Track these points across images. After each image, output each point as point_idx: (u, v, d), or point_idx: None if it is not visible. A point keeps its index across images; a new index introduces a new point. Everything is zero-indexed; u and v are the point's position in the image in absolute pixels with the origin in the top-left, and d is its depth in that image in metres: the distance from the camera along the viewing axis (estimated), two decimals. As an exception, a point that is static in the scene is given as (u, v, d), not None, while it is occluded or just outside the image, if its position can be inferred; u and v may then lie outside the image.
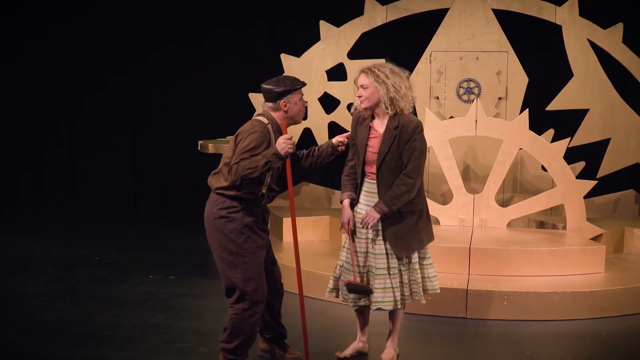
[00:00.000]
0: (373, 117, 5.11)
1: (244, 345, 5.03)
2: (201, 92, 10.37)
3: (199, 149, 8.65)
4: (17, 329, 5.91)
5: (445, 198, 8.50)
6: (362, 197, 5.14)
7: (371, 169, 5.07)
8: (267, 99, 4.97)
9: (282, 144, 4.82)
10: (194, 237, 9.29)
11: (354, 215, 5.13)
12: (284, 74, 5.12)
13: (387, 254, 5.08)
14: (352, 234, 5.14)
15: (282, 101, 4.93)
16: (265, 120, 4.93)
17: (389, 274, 5.08)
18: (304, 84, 5.03)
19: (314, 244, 8.01)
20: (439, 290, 5.30)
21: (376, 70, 4.98)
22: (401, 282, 5.13)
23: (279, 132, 4.96)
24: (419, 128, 4.99)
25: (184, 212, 10.47)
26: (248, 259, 4.92)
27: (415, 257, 5.15)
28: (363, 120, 5.13)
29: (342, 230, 5.32)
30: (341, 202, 5.21)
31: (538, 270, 6.73)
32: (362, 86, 5.01)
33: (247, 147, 4.81)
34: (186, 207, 10.53)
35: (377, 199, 5.05)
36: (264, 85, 4.97)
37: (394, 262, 5.09)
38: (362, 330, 5.44)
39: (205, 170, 9.89)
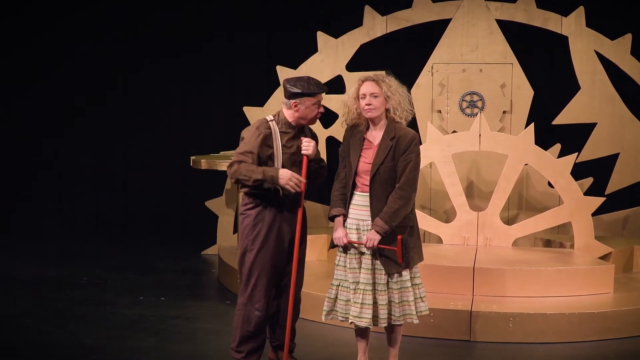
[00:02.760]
0: (367, 129, 5.20)
1: (246, 342, 5.27)
2: (194, 105, 10.40)
3: (191, 164, 8.69)
4: (2, 352, 5.91)
5: (448, 216, 8.53)
6: (352, 211, 5.20)
7: (363, 180, 5.14)
8: (284, 94, 5.28)
9: (288, 179, 5.10)
10: (186, 257, 9.34)
11: (346, 234, 5.17)
12: (307, 76, 5.28)
13: (373, 269, 5.13)
14: (347, 248, 5.20)
15: (293, 101, 5.20)
16: (269, 117, 5.27)
17: (374, 290, 5.13)
18: (321, 91, 5.24)
19: (311, 263, 7.99)
20: (428, 312, 5.33)
21: (387, 80, 5.13)
22: (390, 301, 5.16)
23: (287, 127, 5.24)
24: (415, 140, 5.11)
25: (175, 231, 10.49)
26: (254, 256, 5.22)
27: (406, 274, 5.18)
28: (357, 132, 5.22)
29: (331, 250, 5.36)
30: (330, 217, 5.25)
31: (545, 291, 6.75)
32: (372, 94, 5.09)
33: (241, 143, 5.21)
34: (178, 225, 10.55)
35: (368, 212, 5.11)
36: (284, 81, 5.28)
37: (382, 278, 5.12)
38: (363, 350, 5.46)
39: (198, 186, 10.11)
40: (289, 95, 5.20)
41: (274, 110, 8.40)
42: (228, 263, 7.97)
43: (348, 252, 5.20)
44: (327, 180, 5.49)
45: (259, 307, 5.24)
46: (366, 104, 5.10)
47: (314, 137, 5.43)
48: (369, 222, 5.10)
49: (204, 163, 8.37)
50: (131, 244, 10.05)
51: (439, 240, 7.84)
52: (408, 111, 5.16)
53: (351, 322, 5.18)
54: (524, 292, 6.73)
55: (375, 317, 5.15)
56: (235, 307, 5.34)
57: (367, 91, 5.11)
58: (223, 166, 8.24)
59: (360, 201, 5.16)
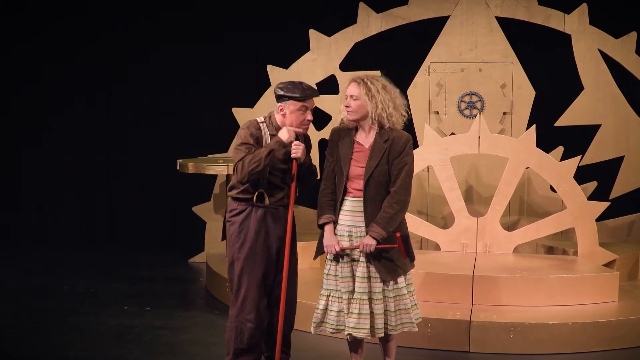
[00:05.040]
0: (356, 131, 5.22)
1: (240, 356, 5.28)
2: (181, 106, 10.40)
3: (178, 168, 8.70)
4: (-19, 364, 5.95)
5: (446, 221, 8.56)
6: (343, 217, 5.20)
7: (355, 185, 5.15)
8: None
9: (286, 132, 5.16)
10: (173, 264, 9.35)
11: (338, 241, 5.19)
12: (300, 81, 5.30)
13: (369, 277, 5.15)
14: (338, 256, 5.21)
15: (279, 105, 5.24)
16: (260, 119, 5.32)
17: (370, 299, 5.15)
18: (307, 96, 5.19)
19: (303, 271, 7.94)
20: (421, 319, 5.36)
21: (368, 83, 5.10)
22: (386, 310, 5.18)
23: (277, 131, 5.25)
24: (410, 143, 5.15)
25: (162, 238, 10.48)
26: (241, 265, 5.26)
27: (402, 281, 5.21)
28: (345, 134, 5.22)
29: (319, 258, 5.38)
30: (319, 225, 5.25)
31: (547, 300, 6.78)
32: (351, 96, 5.12)
33: (236, 144, 5.24)
34: (164, 232, 10.54)
35: (361, 218, 5.12)
36: (277, 83, 5.31)
37: (377, 286, 5.14)
38: (358, 362, 5.49)
39: (184, 191, 10.12)
40: (276, 98, 5.25)
41: (264, 112, 8.40)
42: (216, 271, 7.99)
43: (340, 260, 5.21)
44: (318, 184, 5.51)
45: (251, 319, 5.26)
46: (345, 106, 5.15)
47: (307, 140, 5.44)
48: (363, 229, 5.11)
49: (191, 167, 8.37)
50: (115, 251, 10.06)
51: (437, 247, 7.87)
52: (396, 116, 5.11)
53: (348, 334, 5.19)
54: (525, 301, 6.76)
55: (371, 328, 5.17)
56: (228, 319, 5.35)
57: (349, 92, 5.14)
58: (211, 170, 8.26)
59: (352, 207, 5.17)
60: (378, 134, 5.13)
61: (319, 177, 5.48)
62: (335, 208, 5.21)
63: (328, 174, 5.27)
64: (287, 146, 5.14)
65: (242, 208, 5.27)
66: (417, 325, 5.34)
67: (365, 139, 5.18)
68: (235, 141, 5.29)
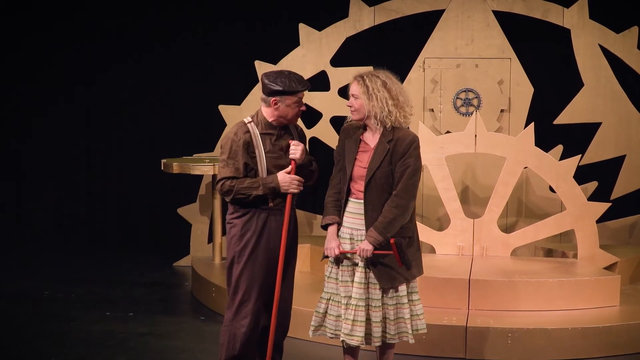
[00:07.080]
0: (365, 129, 5.21)
1: None
2: (165, 104, 10.38)
3: (162, 168, 8.70)
4: (-42, 373, 5.94)
5: (441, 223, 8.59)
6: (346, 219, 5.21)
7: (358, 186, 5.14)
8: (262, 90, 5.26)
9: (287, 183, 5.16)
10: (157, 268, 9.34)
11: (339, 244, 5.19)
12: (288, 71, 5.27)
13: (367, 283, 5.14)
14: (340, 260, 5.22)
15: (273, 99, 5.19)
16: (247, 119, 5.27)
17: (368, 305, 5.15)
18: (304, 88, 5.21)
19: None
20: (426, 330, 5.35)
21: (367, 81, 5.08)
22: (385, 318, 5.18)
23: (268, 127, 5.23)
24: (415, 143, 5.10)
25: (145, 240, 10.46)
26: (241, 268, 5.23)
27: (403, 289, 5.21)
28: (353, 132, 5.22)
29: (323, 260, 5.37)
30: (323, 226, 5.27)
31: (546, 304, 6.81)
32: (353, 95, 5.12)
33: (222, 156, 5.20)
34: (147, 234, 10.52)
35: (363, 221, 5.12)
36: (263, 76, 5.24)
37: (376, 293, 5.14)
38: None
39: (169, 192, 10.11)
40: (269, 93, 5.18)
41: (252, 109, 8.40)
42: (202, 275, 7.99)
43: (341, 263, 5.21)
44: (316, 186, 5.51)
45: (246, 324, 5.23)
46: (348, 105, 5.15)
47: (301, 135, 5.41)
48: (364, 232, 5.10)
49: (176, 167, 8.38)
50: (97, 255, 10.05)
51: (432, 250, 7.90)
52: (397, 115, 5.05)
53: (342, 340, 5.20)
54: (523, 305, 6.79)
55: (367, 335, 5.16)
56: (222, 323, 5.34)
57: (350, 91, 5.14)
58: (197, 170, 8.27)
59: (354, 209, 5.16)
60: (382, 134, 5.10)
61: (319, 174, 5.45)
62: (340, 209, 5.22)
63: (335, 173, 5.28)
64: (279, 194, 5.17)
65: (244, 210, 5.23)
66: (418, 334, 5.34)
67: (372, 138, 5.16)
68: (222, 152, 5.21)
